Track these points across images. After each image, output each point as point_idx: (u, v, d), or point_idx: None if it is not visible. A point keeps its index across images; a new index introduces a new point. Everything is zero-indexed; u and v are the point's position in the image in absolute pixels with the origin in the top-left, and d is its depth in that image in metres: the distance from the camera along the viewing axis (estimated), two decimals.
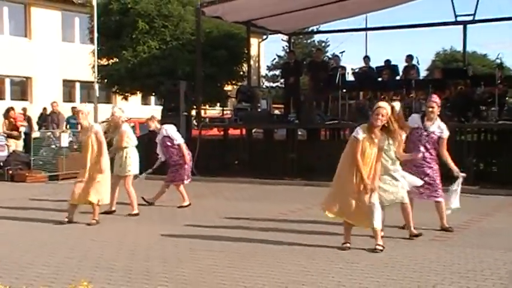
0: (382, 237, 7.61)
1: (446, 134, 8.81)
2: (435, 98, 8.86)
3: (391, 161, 8.05)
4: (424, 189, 8.69)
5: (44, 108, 21.01)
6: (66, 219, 9.45)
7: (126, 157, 10.31)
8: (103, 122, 22.71)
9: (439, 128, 8.77)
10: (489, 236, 8.47)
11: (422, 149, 8.61)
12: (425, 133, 8.72)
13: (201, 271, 6.55)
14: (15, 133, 17.69)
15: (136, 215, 10.08)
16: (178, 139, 11.06)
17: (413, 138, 8.65)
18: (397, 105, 8.00)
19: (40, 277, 6.29)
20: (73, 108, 22.07)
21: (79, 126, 20.40)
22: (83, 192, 9.35)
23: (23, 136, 18.45)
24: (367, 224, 7.53)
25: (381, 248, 7.49)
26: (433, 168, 8.75)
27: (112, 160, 10.02)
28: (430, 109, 8.72)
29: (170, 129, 11.11)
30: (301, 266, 6.74)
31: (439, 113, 8.82)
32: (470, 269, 6.62)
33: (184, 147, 11.05)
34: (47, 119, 19.94)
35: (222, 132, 18.18)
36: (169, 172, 11.15)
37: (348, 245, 7.63)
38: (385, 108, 7.44)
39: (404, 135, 8.17)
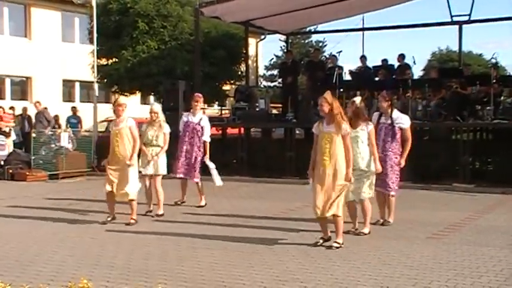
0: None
1: (406, 124, 8.98)
2: (385, 94, 9.22)
3: (360, 157, 8.20)
4: (378, 180, 8.68)
5: (24, 108, 20.74)
6: (109, 218, 9.37)
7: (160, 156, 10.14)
8: (103, 120, 22.75)
9: (396, 120, 8.95)
10: (485, 234, 8.48)
11: (381, 143, 8.83)
12: (383, 126, 8.95)
13: (201, 269, 6.55)
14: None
15: (162, 215, 9.95)
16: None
17: (377, 135, 8.82)
18: (357, 99, 8.46)
19: (40, 275, 6.29)
20: (73, 108, 22.09)
21: (79, 125, 20.65)
22: (118, 187, 9.21)
23: (13, 136, 18.41)
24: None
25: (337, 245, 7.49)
26: (386, 162, 8.80)
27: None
28: (380, 104, 9.13)
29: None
30: (299, 264, 6.74)
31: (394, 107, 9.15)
32: (466, 266, 6.63)
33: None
34: (30, 120, 19.68)
35: (220, 132, 18.16)
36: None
37: (321, 241, 7.65)
38: (324, 98, 7.56)
39: (369, 128, 8.30)
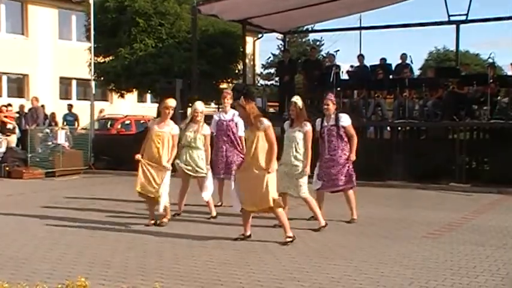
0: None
1: (346, 122, 9.32)
2: (330, 96, 9.54)
3: (297, 156, 8.62)
4: (329, 181, 9.28)
5: (21, 106, 20.74)
6: (153, 222, 9.04)
7: (200, 158, 9.73)
8: (100, 118, 22.73)
9: (337, 120, 9.29)
10: (481, 234, 8.50)
11: (326, 144, 9.28)
12: (326, 129, 9.33)
13: (197, 267, 6.54)
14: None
15: (215, 217, 9.64)
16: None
17: (322, 138, 9.38)
18: (298, 100, 8.79)
19: (36, 273, 6.27)
20: (69, 105, 22.07)
21: (76, 123, 20.62)
22: (151, 183, 8.99)
23: (18, 133, 18.41)
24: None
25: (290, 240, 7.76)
26: (334, 161, 9.25)
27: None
28: (326, 107, 9.35)
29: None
30: (296, 263, 6.74)
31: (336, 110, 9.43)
32: (462, 266, 6.64)
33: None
34: (26, 116, 19.66)
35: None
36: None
37: (242, 236, 7.95)
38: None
39: (306, 129, 8.63)
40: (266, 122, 7.82)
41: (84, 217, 9.62)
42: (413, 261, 6.87)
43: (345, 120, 9.35)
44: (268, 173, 7.65)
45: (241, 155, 10.15)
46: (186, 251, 7.37)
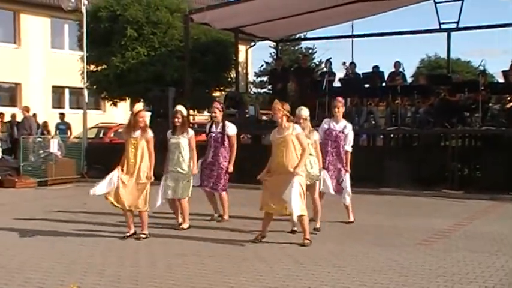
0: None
1: (232, 132, 10.13)
2: (217, 105, 10.36)
3: (182, 161, 9.35)
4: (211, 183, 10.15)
5: (13, 115, 20.68)
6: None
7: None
8: (93, 127, 22.66)
9: (224, 128, 10.11)
10: (474, 240, 8.51)
11: (212, 149, 10.13)
12: (213, 134, 10.14)
13: (190, 276, 6.52)
14: None
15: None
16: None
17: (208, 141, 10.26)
18: (182, 109, 9.47)
19: (29, 282, 6.24)
20: (61, 114, 22.01)
21: (68, 132, 20.55)
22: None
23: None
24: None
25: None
26: (215, 165, 10.10)
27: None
28: (213, 114, 10.14)
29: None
30: (289, 271, 6.73)
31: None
32: (455, 273, 6.64)
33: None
34: (18, 126, 19.59)
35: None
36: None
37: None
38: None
39: (190, 135, 9.39)
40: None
41: (76, 226, 9.57)
42: (407, 268, 6.87)
43: (231, 130, 10.10)
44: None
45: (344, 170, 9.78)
46: (179, 259, 7.35)
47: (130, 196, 8.58)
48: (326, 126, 9.77)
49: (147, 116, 9.36)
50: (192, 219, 9.85)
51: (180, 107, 9.56)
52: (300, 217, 8.04)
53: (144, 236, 8.65)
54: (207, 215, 10.50)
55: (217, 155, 10.02)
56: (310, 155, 8.86)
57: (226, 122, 10.15)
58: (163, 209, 9.87)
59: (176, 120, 9.40)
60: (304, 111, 9.09)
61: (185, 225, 9.40)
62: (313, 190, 9.13)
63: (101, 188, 8.58)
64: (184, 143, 9.33)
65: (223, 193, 10.19)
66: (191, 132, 9.47)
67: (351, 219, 9.84)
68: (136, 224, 8.76)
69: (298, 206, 7.84)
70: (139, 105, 9.43)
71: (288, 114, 8.20)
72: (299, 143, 8.09)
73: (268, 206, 8.25)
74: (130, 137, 8.68)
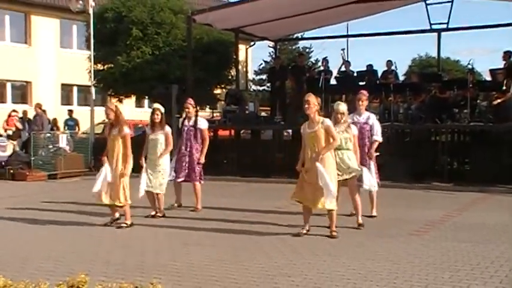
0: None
1: (203, 126, 10.46)
2: (190, 101, 10.32)
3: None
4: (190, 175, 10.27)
5: (24, 112, 20.68)
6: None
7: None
8: (100, 123, 22.64)
9: (196, 122, 10.35)
10: (462, 231, 8.52)
11: (185, 142, 10.33)
12: (186, 128, 10.33)
13: (193, 264, 6.52)
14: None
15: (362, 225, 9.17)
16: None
17: (182, 135, 10.39)
18: (160, 107, 9.64)
19: (39, 270, 6.24)
20: (69, 111, 22.00)
21: (76, 127, 20.55)
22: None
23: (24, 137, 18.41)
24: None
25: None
26: (190, 158, 10.27)
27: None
28: (186, 110, 10.28)
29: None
30: (288, 259, 6.73)
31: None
32: (445, 261, 6.65)
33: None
34: (30, 122, 19.59)
35: (211, 133, 18.12)
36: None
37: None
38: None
39: (166, 132, 9.67)
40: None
41: (83, 217, 9.58)
42: (399, 257, 6.87)
43: (203, 124, 10.39)
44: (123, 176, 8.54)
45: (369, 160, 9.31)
46: (182, 249, 7.35)
47: (111, 192, 8.71)
48: (350, 120, 9.12)
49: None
50: (194, 210, 9.87)
51: (157, 105, 9.72)
52: (330, 210, 7.87)
53: (125, 225, 8.79)
54: (209, 207, 10.51)
55: (190, 147, 10.24)
56: (348, 149, 8.60)
57: (199, 117, 10.44)
58: (166, 203, 9.90)
59: (155, 117, 9.61)
60: (342, 106, 8.73)
61: (160, 214, 9.65)
62: (352, 185, 8.75)
63: (98, 185, 8.71)
64: (162, 139, 9.58)
65: (198, 184, 10.34)
66: (168, 128, 9.72)
67: (374, 213, 9.44)
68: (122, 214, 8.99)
69: (329, 199, 7.72)
70: (113, 103, 9.54)
71: (319, 108, 8.01)
72: (330, 135, 7.85)
73: (299, 197, 8.02)
74: (110, 134, 8.81)
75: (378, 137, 9.33)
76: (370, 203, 9.48)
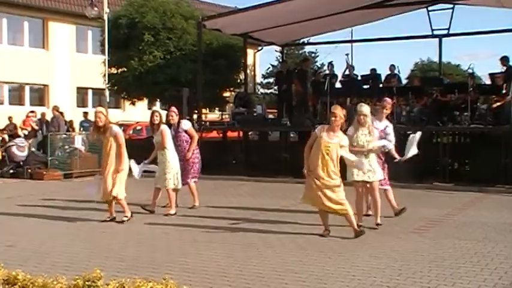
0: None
1: (187, 126, 10.39)
2: (174, 109, 10.40)
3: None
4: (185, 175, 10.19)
5: (42, 114, 20.80)
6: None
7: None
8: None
9: (179, 126, 10.33)
10: (463, 228, 8.49)
11: (178, 148, 10.22)
12: (176, 134, 10.29)
13: (203, 261, 6.53)
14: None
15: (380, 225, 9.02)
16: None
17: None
18: (157, 108, 9.57)
19: (56, 265, 6.27)
20: (84, 113, 22.08)
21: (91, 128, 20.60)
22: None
23: (40, 137, 18.51)
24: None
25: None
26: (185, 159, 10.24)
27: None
28: (170, 118, 10.31)
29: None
30: (294, 256, 6.73)
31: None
32: (446, 258, 6.63)
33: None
34: (48, 124, 19.66)
35: (221, 135, 18.15)
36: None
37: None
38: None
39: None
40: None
41: (98, 214, 9.60)
42: (401, 254, 6.86)
43: (186, 124, 10.40)
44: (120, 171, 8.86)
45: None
46: (192, 245, 7.36)
47: (107, 189, 8.91)
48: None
49: (102, 115, 9.06)
50: (206, 209, 9.88)
51: (156, 108, 9.81)
52: (344, 215, 7.77)
53: (126, 218, 8.96)
54: (218, 206, 10.52)
55: (182, 151, 10.19)
56: (370, 151, 8.46)
57: (181, 121, 10.42)
58: (179, 201, 9.91)
59: (154, 118, 9.78)
60: (365, 108, 8.51)
61: (172, 211, 9.69)
62: (375, 187, 8.63)
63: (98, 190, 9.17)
64: (159, 139, 9.73)
65: (192, 183, 10.33)
66: (162, 127, 9.81)
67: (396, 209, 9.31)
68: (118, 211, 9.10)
69: (341, 205, 7.70)
70: (100, 108, 9.46)
71: (344, 121, 7.86)
72: (340, 154, 7.73)
73: (311, 201, 7.91)
74: (104, 137, 8.98)
75: (391, 144, 9.14)
76: (387, 202, 9.33)
